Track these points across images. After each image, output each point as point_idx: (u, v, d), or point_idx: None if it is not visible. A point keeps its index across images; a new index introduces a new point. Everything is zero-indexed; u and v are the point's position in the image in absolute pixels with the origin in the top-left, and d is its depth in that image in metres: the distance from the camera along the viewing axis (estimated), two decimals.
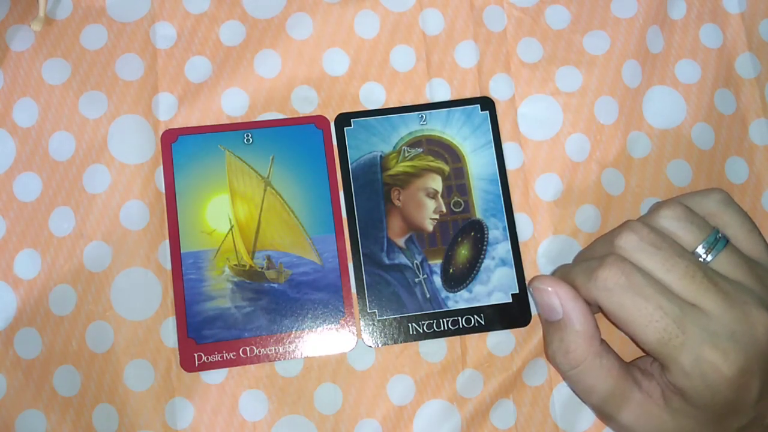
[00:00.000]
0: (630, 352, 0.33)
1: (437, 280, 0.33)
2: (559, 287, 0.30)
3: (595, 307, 0.31)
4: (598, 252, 0.30)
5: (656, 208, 0.31)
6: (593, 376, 0.29)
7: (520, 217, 0.34)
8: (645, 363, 0.30)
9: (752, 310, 0.27)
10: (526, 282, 0.34)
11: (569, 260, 0.34)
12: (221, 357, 0.32)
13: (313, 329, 0.33)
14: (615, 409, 0.29)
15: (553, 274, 0.32)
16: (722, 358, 0.26)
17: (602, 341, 0.30)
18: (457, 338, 0.33)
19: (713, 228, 0.30)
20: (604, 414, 0.30)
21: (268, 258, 0.33)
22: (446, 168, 0.35)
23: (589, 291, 0.29)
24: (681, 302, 0.27)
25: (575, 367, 0.29)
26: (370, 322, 0.33)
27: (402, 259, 0.34)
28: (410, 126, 0.35)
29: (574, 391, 0.31)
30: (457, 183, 0.35)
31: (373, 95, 0.35)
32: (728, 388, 0.27)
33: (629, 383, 0.29)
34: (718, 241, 0.29)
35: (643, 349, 0.29)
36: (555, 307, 0.30)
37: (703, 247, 0.29)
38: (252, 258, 0.33)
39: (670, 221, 0.29)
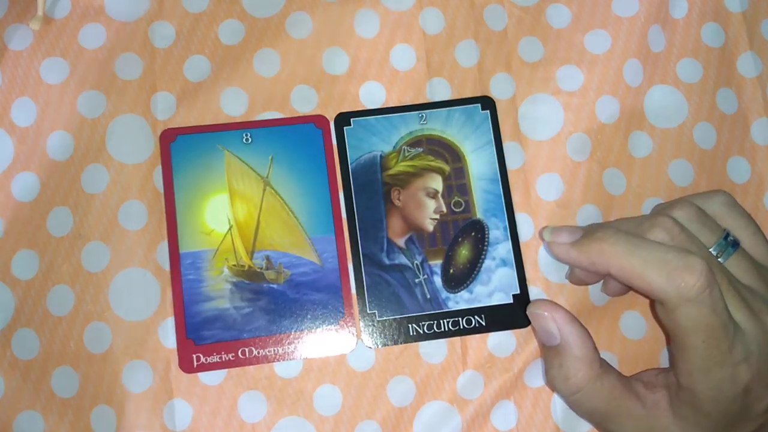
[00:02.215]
0: (630, 352, 0.33)
1: (437, 280, 0.33)
2: (556, 312, 0.29)
3: (595, 277, 0.31)
4: None
5: (667, 207, 0.30)
6: (594, 399, 0.28)
7: (520, 217, 0.34)
8: (649, 375, 0.30)
9: (767, 318, 0.27)
10: (527, 283, 0.34)
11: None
12: (220, 358, 0.32)
13: (313, 330, 0.33)
14: (617, 426, 0.28)
15: (603, 238, 0.28)
16: (750, 373, 0.26)
17: (602, 362, 0.29)
18: (457, 339, 0.33)
19: (724, 230, 0.29)
20: (606, 431, 0.29)
21: (268, 258, 0.33)
22: (446, 168, 0.35)
23: (660, 289, 0.26)
24: (733, 320, 0.26)
25: (576, 393, 0.29)
26: (370, 323, 0.33)
27: (402, 260, 0.33)
28: (410, 125, 0.35)
29: (574, 412, 0.31)
30: (457, 183, 0.34)
31: (373, 95, 0.35)
32: (743, 398, 0.26)
33: (632, 400, 0.28)
34: (729, 244, 0.29)
35: (673, 349, 0.28)
36: (552, 332, 0.29)
37: (715, 250, 0.28)
38: (251, 258, 0.33)
39: (683, 222, 0.29)
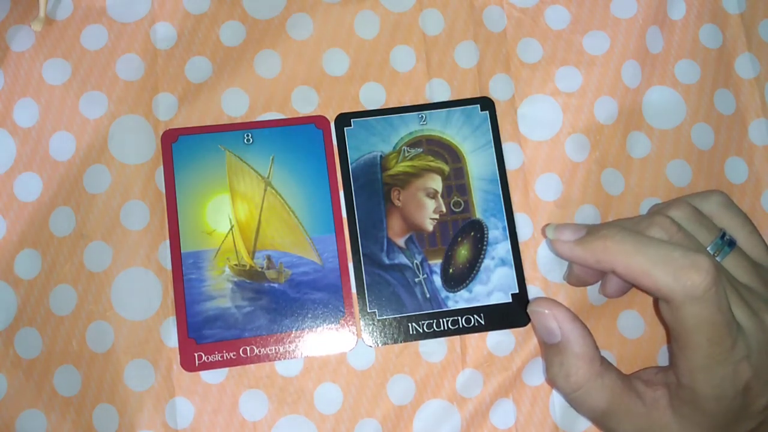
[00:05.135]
0: (628, 351, 0.34)
1: (437, 279, 0.34)
2: (557, 310, 0.29)
3: (595, 277, 0.31)
4: None
5: (663, 207, 0.30)
6: (595, 396, 0.28)
7: (519, 217, 0.34)
8: (648, 374, 0.30)
9: (766, 317, 0.27)
10: (526, 283, 0.34)
11: (567, 261, 0.34)
12: (221, 357, 0.32)
13: (313, 329, 0.33)
14: (617, 424, 0.28)
15: (609, 236, 0.28)
16: (750, 371, 0.26)
17: (602, 360, 0.29)
18: (456, 338, 0.33)
19: (720, 230, 0.29)
20: (606, 428, 0.30)
21: (269, 258, 0.33)
22: (446, 168, 0.35)
23: (667, 287, 0.26)
24: (735, 318, 0.26)
25: (576, 390, 0.29)
26: (370, 322, 0.33)
27: (402, 259, 0.34)
28: (410, 126, 0.35)
29: (575, 410, 0.31)
30: (457, 183, 0.35)
31: (373, 95, 0.36)
32: (743, 396, 0.26)
33: (632, 398, 0.28)
34: (726, 243, 0.29)
35: (674, 347, 0.28)
36: (553, 330, 0.29)
37: (712, 249, 0.29)
38: (252, 258, 0.33)
39: (680, 222, 0.29)
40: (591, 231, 0.29)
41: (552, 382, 0.30)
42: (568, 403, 0.31)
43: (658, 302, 0.28)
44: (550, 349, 0.30)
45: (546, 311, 0.30)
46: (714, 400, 0.26)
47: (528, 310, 0.31)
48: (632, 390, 0.29)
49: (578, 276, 0.32)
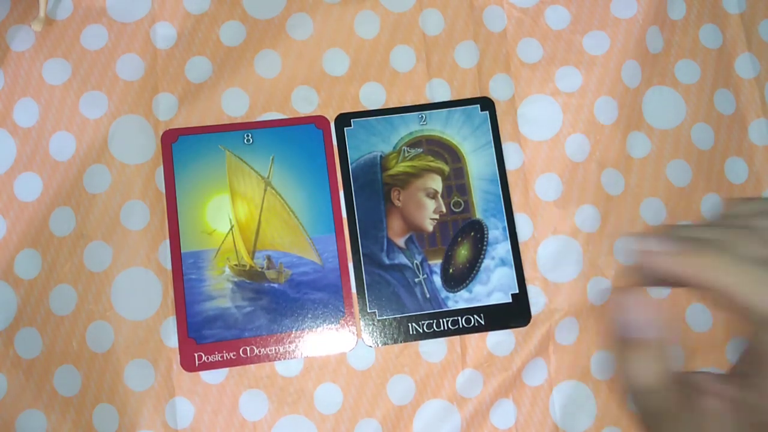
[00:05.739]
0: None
1: (437, 280, 0.34)
2: (639, 304, 0.28)
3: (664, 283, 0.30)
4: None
5: (760, 213, 0.28)
6: (660, 400, 0.27)
7: (519, 217, 0.34)
8: (709, 381, 0.28)
9: None
10: (526, 283, 0.34)
11: (568, 261, 0.34)
12: (221, 357, 0.32)
13: (313, 329, 0.33)
14: (670, 430, 0.28)
15: (703, 253, 0.26)
16: None
17: (674, 361, 0.29)
18: (456, 338, 0.33)
19: None
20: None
21: (268, 258, 0.33)
22: (446, 168, 0.35)
23: (756, 310, 0.23)
24: None
25: (644, 391, 0.28)
26: (370, 322, 0.33)
27: (402, 259, 0.34)
28: (410, 126, 0.35)
29: (631, 409, 0.30)
30: (457, 183, 0.35)
31: (373, 95, 0.36)
32: None
33: (693, 406, 0.27)
34: None
35: (752, 365, 0.26)
36: (632, 324, 0.28)
37: None
38: (252, 258, 0.33)
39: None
40: (680, 244, 0.27)
41: (619, 378, 0.29)
42: (628, 401, 0.30)
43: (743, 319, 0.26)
44: (622, 345, 0.29)
45: (627, 303, 0.28)
46: None
47: (609, 299, 0.29)
48: (694, 397, 0.28)
49: (645, 280, 0.30)
